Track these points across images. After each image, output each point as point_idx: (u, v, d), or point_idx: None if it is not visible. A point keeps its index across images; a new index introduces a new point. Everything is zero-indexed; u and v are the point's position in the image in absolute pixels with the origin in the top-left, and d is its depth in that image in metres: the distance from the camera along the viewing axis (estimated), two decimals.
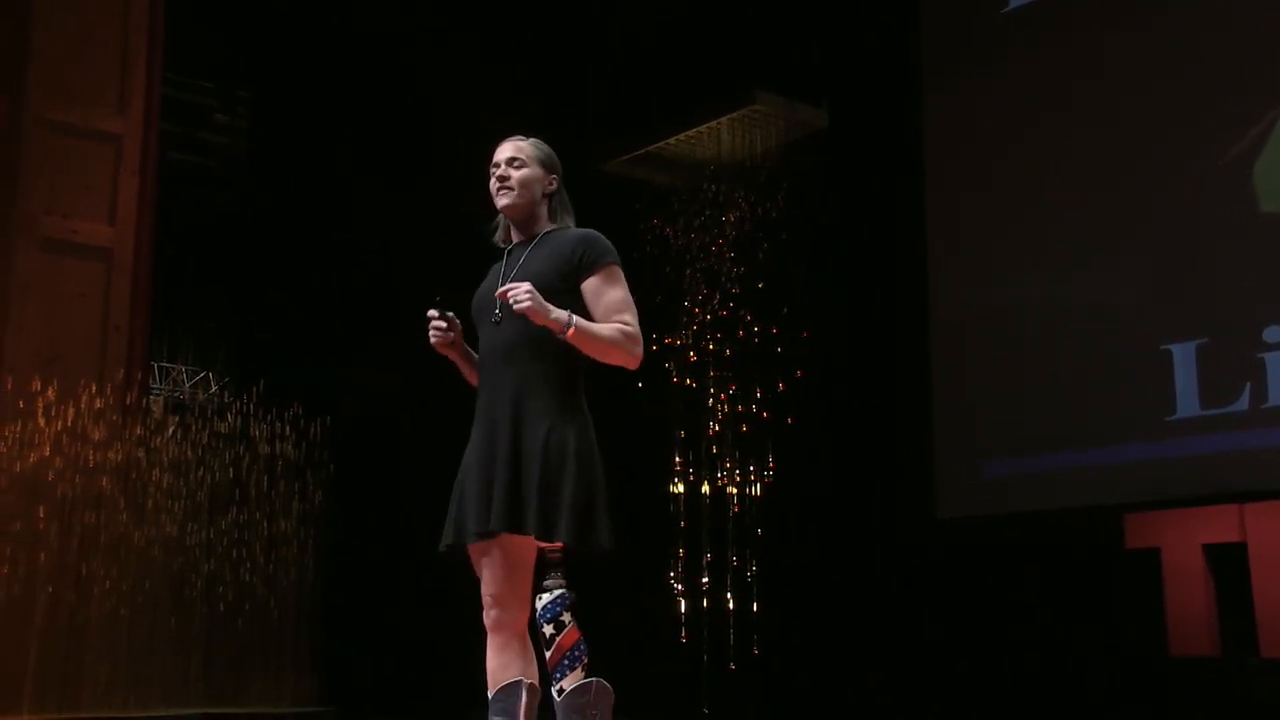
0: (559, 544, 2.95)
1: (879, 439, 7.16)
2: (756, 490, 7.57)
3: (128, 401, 6.52)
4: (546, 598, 3.00)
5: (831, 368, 7.34)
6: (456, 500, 3.07)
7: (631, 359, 3.06)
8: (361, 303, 7.99)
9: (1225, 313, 5.92)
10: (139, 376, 6.69)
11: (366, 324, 7.92)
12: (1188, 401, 6.00)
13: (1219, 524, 5.86)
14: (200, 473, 6.76)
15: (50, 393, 6.28)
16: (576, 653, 2.99)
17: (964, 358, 6.97)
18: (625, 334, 3.04)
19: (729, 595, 7.45)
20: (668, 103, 7.87)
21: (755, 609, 7.36)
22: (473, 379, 3.21)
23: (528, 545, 3.00)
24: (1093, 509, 6.24)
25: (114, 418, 6.41)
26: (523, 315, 2.94)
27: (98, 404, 6.39)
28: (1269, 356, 5.75)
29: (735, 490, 7.61)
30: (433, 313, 3.12)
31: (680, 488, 7.74)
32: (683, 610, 7.53)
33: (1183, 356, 6.03)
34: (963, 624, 6.56)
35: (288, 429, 7.05)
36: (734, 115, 7.57)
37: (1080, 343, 6.43)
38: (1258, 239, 5.87)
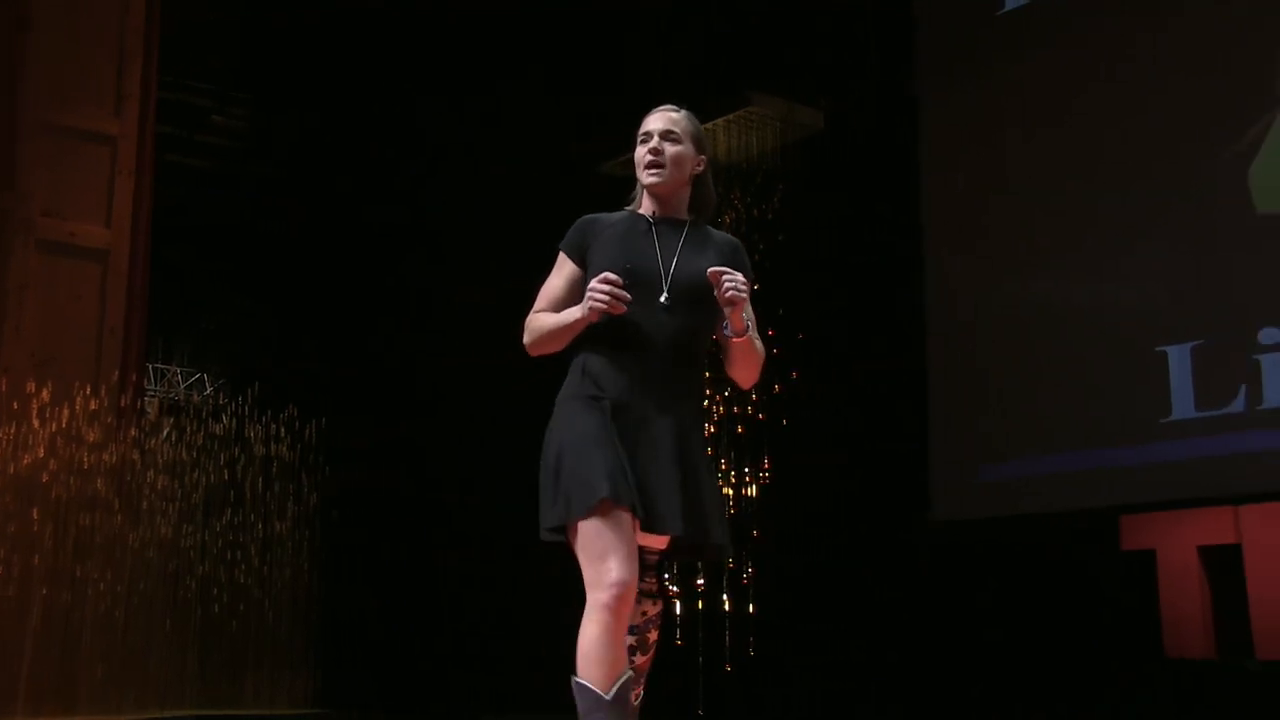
0: (661, 545, 2.84)
1: (875, 441, 7.15)
2: (753, 492, 7.57)
3: (122, 403, 6.53)
4: (662, 604, 2.90)
5: (828, 369, 7.33)
6: (608, 461, 2.69)
7: (756, 379, 2.96)
8: (357, 304, 7.99)
9: (1221, 315, 5.91)
10: (134, 378, 6.69)
11: (362, 326, 7.92)
12: (1183, 403, 5.99)
13: (1214, 526, 5.84)
14: (195, 474, 6.78)
15: (45, 394, 6.29)
16: None
17: (959, 360, 6.97)
18: (762, 354, 2.94)
19: (725, 597, 7.44)
20: (663, 104, 7.85)
21: (751, 611, 7.36)
22: (561, 343, 2.87)
23: None
24: (1088, 511, 6.23)
25: (109, 419, 6.42)
26: (697, 305, 2.80)
27: (92, 406, 6.40)
28: (1265, 358, 5.74)
29: (731, 492, 7.60)
30: (615, 278, 2.73)
31: None
32: (678, 612, 7.52)
33: (1178, 358, 6.02)
34: (957, 626, 6.55)
35: (283, 430, 7.06)
36: (730, 117, 7.57)
37: (1075, 345, 6.42)
38: (1254, 241, 5.87)
